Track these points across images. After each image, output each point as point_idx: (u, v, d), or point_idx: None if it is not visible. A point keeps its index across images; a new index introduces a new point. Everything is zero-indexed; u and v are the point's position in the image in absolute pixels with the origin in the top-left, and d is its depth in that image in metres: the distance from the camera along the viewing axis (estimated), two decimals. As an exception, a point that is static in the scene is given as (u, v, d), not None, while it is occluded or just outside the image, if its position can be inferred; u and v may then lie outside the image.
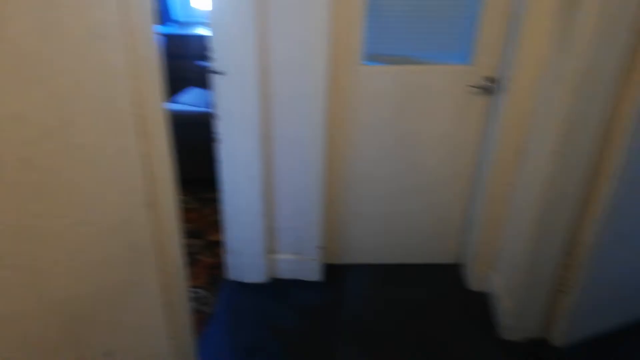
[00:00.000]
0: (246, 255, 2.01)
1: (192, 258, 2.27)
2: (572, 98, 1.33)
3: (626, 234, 1.57)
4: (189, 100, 3.26)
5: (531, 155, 1.63)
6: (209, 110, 1.88)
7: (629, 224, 1.55)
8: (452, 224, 2.10)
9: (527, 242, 1.58)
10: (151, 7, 0.91)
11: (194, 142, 2.67)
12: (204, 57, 1.80)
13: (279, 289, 2.08)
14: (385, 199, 2.04)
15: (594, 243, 1.51)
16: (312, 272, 2.07)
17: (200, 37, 3.38)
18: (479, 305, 1.98)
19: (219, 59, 1.60)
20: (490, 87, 1.76)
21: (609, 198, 1.42)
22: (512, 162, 1.74)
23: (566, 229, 1.54)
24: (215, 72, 1.63)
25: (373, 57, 1.77)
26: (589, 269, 1.57)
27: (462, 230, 2.11)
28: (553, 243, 1.57)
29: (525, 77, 1.58)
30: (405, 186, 2.01)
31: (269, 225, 1.99)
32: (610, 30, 1.21)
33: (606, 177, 1.42)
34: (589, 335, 1.79)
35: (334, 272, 2.17)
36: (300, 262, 2.06)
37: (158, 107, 0.99)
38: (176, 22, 4.11)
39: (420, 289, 2.09)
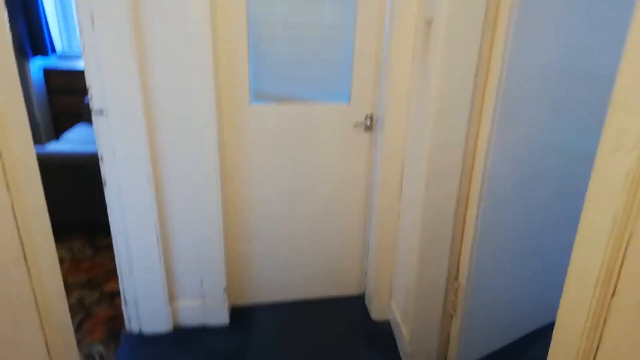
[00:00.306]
0: (145, 305, 1.88)
1: (87, 312, 2.08)
2: (434, 136, 1.48)
3: (498, 258, 1.76)
4: (79, 139, 3.04)
5: (409, 187, 1.77)
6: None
7: (499, 249, 1.74)
8: (353, 256, 2.18)
9: (414, 270, 1.69)
10: (9, 43, 0.86)
11: (85, 184, 2.48)
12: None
13: (183, 338, 1.96)
14: (284, 235, 2.07)
15: (471, 268, 1.67)
16: (217, 316, 2.00)
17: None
18: (383, 335, 2.04)
19: (97, 97, 1.53)
20: (369, 125, 1.91)
21: (476, 225, 1.59)
22: (396, 195, 1.88)
23: (448, 254, 1.68)
24: (94, 112, 1.55)
25: (262, 96, 1.83)
26: (472, 292, 1.71)
27: (362, 261, 2.20)
28: (438, 269, 1.70)
29: (396, 115, 1.74)
30: (302, 221, 2.06)
31: (168, 271, 1.90)
32: (456, 72, 1.39)
33: (473, 204, 1.59)
34: (484, 355, 1.94)
35: (240, 314, 2.12)
36: (205, 307, 1.98)
37: (26, 154, 0.92)
38: (61, 54, 3.87)
39: (327, 323, 2.11)
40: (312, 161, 1.95)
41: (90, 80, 1.54)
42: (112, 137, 1.62)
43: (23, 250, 0.94)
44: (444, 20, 1.32)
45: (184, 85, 1.63)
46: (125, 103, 1.57)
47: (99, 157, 1.65)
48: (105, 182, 1.69)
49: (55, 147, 2.79)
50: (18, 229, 0.93)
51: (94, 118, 1.60)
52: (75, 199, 2.53)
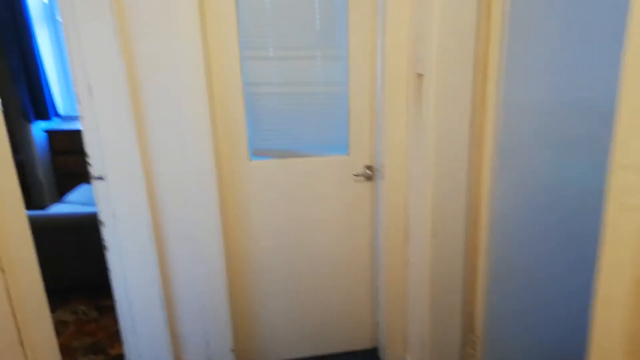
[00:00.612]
0: (148, 371, 1.81)
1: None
2: (435, 184, 1.48)
3: (516, 306, 1.70)
4: (81, 199, 3.04)
5: (415, 236, 1.75)
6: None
7: (515, 296, 1.69)
8: (363, 308, 2.12)
9: (427, 322, 1.64)
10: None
11: (87, 244, 2.46)
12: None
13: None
14: (290, 290, 2.02)
15: (487, 318, 1.61)
16: (223, 378, 1.92)
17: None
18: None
19: (96, 164, 1.54)
20: (370, 175, 1.90)
21: (488, 273, 1.55)
22: (402, 243, 1.85)
23: (460, 305, 1.63)
24: (94, 177, 1.56)
25: (261, 152, 1.84)
26: (490, 344, 1.65)
27: (373, 313, 2.13)
28: (451, 320, 1.64)
29: (396, 164, 1.75)
30: (308, 275, 2.02)
31: (173, 332, 1.84)
32: (451, 120, 1.40)
33: (482, 251, 1.56)
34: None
35: (248, 375, 2.03)
36: (210, 370, 1.91)
37: (18, 235, 0.91)
38: (64, 115, 3.97)
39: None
40: (315, 214, 1.94)
41: (89, 148, 1.56)
42: (112, 202, 1.62)
43: (19, 335, 0.91)
44: (434, 74, 1.35)
45: (182, 145, 1.64)
46: (125, 168, 1.58)
47: (100, 221, 1.64)
48: (106, 247, 1.67)
49: (57, 209, 2.80)
50: (13, 312, 0.90)
51: (93, 183, 1.60)
52: (79, 260, 2.50)
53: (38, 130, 3.74)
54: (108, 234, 1.66)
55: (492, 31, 1.32)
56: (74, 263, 2.47)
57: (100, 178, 1.59)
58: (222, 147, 1.80)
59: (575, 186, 1.69)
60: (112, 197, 1.61)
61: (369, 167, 1.90)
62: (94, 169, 1.58)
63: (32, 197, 3.84)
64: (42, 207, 3.60)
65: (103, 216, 1.64)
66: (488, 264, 1.53)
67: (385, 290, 1.91)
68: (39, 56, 3.54)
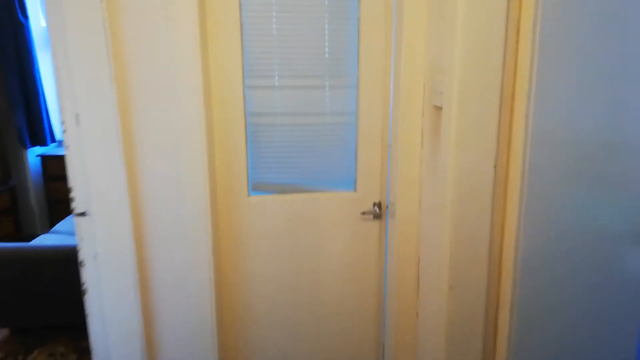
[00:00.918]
0: None
1: None
2: (453, 228, 1.32)
3: None
4: (71, 229, 2.89)
5: (428, 286, 1.57)
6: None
7: (538, 352, 1.51)
8: (367, 356, 1.92)
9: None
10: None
11: (68, 280, 2.29)
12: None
13: None
14: (289, 336, 1.84)
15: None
16: None
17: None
18: None
19: (79, 199, 1.40)
20: (379, 213, 1.75)
21: (511, 335, 1.38)
22: (412, 289, 1.68)
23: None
24: (76, 214, 1.41)
25: (261, 187, 1.70)
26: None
27: (379, 364, 1.93)
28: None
29: (408, 202, 1.60)
30: (310, 322, 1.84)
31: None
32: (473, 158, 1.26)
33: (505, 308, 1.39)
34: None
35: None
36: None
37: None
38: (59, 141, 3.87)
39: None
40: (318, 254, 1.78)
41: (73, 181, 1.42)
42: (95, 240, 1.46)
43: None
44: (455, 108, 1.21)
45: (176, 180, 1.50)
46: (111, 204, 1.44)
47: (80, 261, 1.48)
48: (85, 289, 1.51)
49: (41, 240, 2.64)
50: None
51: (75, 220, 1.45)
52: (58, 297, 2.32)
53: (33, 155, 3.62)
54: (88, 276, 1.49)
55: (520, 61, 1.20)
56: (53, 300, 2.28)
57: (83, 214, 1.45)
58: (219, 182, 1.65)
59: (609, 229, 1.53)
60: (96, 236, 1.46)
61: (378, 205, 1.75)
62: (77, 204, 1.44)
63: (22, 224, 3.68)
64: (33, 235, 3.44)
65: (84, 256, 1.48)
66: (512, 318, 1.35)
67: (393, 343, 1.72)
68: (40, 81, 3.46)
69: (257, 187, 1.71)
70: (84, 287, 1.51)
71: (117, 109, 1.39)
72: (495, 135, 1.24)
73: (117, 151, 1.41)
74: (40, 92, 3.47)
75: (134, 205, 1.48)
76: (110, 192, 1.43)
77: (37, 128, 3.49)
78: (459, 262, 1.34)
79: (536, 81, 1.17)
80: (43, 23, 3.62)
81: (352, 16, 1.62)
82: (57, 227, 2.91)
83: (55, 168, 3.59)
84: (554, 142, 1.25)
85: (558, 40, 1.16)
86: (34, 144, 3.53)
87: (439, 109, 1.36)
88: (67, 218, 3.07)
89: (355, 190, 1.75)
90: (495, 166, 1.26)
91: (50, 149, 3.70)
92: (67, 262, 2.21)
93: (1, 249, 2.23)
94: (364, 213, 1.75)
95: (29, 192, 3.64)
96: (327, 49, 1.64)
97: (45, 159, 3.59)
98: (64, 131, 1.39)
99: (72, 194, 1.43)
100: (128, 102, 1.42)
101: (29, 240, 2.72)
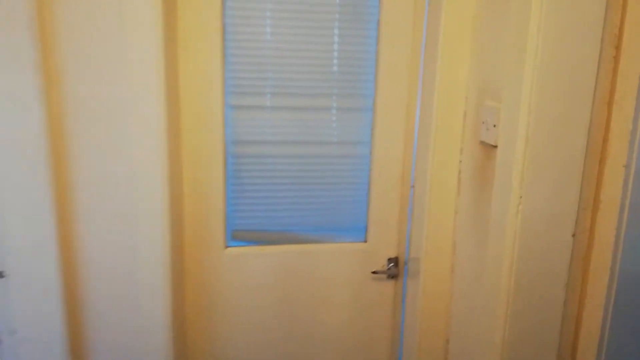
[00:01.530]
0: None
1: None
2: (508, 320, 0.94)
3: None
4: None
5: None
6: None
7: None
8: None
9: None
10: None
11: None
12: None
13: None
14: None
15: None
16: None
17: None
18: None
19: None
20: (395, 272, 1.37)
21: None
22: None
23: None
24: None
25: (243, 236, 1.32)
26: None
27: None
28: None
29: (436, 262, 1.22)
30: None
31: None
32: (544, 218, 0.88)
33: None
34: None
35: None
36: None
37: None
38: None
39: None
40: (315, 323, 1.39)
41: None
42: (13, 310, 1.08)
43: None
44: (520, 149, 0.84)
45: (127, 228, 1.12)
46: (35, 262, 1.06)
47: (-4, 336, 1.10)
48: (3, 372, 1.12)
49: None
50: None
51: (-12, 282, 1.07)
52: None
53: None
54: (3, 356, 1.11)
55: (620, 86, 0.83)
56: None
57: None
58: (187, 230, 1.28)
59: None
60: (13, 304, 1.08)
61: (395, 261, 1.37)
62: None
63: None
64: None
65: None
66: None
67: None
68: None
69: (238, 235, 1.33)
70: (-2, 370, 1.12)
71: (48, 137, 1.02)
72: (577, 191, 0.86)
73: (44, 193, 1.03)
74: None
75: (66, 263, 1.10)
76: (35, 247, 1.05)
77: None
78: (517, 356, 0.96)
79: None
80: None
81: (370, 19, 1.26)
82: None
83: None
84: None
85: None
86: None
87: (488, 146, 0.99)
88: None
89: (365, 241, 1.37)
90: (574, 235, 0.88)
91: None
92: None
93: None
94: (375, 272, 1.37)
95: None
96: (335, 61, 1.27)
97: None
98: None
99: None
100: (62, 129, 1.05)
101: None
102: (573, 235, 0.89)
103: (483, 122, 1.00)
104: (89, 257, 1.13)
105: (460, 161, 1.15)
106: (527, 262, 0.90)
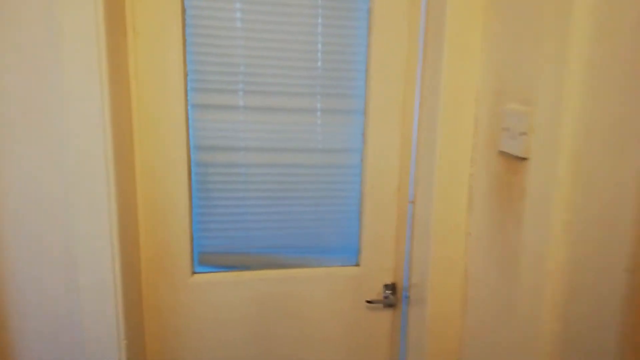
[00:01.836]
0: None
1: None
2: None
3: None
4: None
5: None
6: None
7: None
8: None
9: None
10: None
11: None
12: None
13: None
14: None
15: None
16: None
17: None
18: None
19: None
20: (393, 300, 1.18)
21: None
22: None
23: None
24: None
25: (213, 260, 1.12)
26: None
27: None
28: None
29: (443, 290, 1.03)
30: None
31: None
32: (592, 250, 0.71)
33: None
34: None
35: None
36: None
37: None
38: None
39: None
40: (296, 355, 1.19)
41: None
42: None
43: None
44: (565, 162, 0.67)
45: (58, 266, 0.90)
46: None
47: None
48: None
49: None
50: None
51: None
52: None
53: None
54: None
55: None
56: None
57: None
58: (144, 255, 1.05)
59: None
60: None
61: (392, 287, 1.18)
62: None
63: None
64: None
65: None
66: None
67: None
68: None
69: (206, 259, 1.12)
70: None
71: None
72: (635, 216, 0.70)
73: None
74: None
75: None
76: None
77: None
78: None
79: None
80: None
81: (359, 6, 1.07)
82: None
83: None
84: None
85: None
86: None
87: (513, 158, 0.81)
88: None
89: (358, 264, 1.18)
90: (628, 270, 0.72)
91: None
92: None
93: None
94: (370, 302, 1.18)
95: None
96: (320, 55, 1.08)
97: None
98: None
99: None
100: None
101: None
102: (628, 271, 0.72)
103: (505, 129, 0.82)
104: (15, 297, 0.89)
105: (472, 174, 0.97)
106: (572, 301, 0.73)
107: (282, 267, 1.14)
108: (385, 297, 1.17)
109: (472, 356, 1.02)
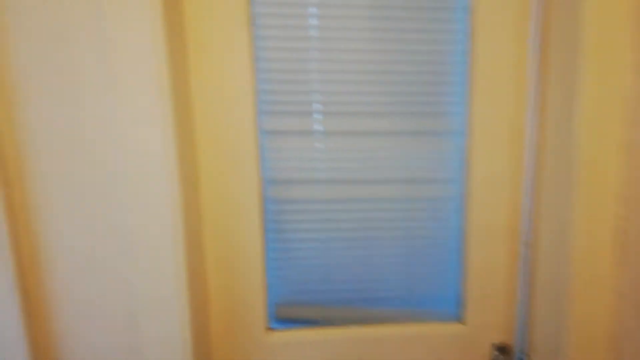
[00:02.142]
0: None
1: None
2: None
3: None
4: None
5: None
6: None
7: None
8: None
9: None
10: None
11: None
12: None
13: None
14: None
15: None
16: None
17: None
18: None
19: None
20: (505, 365, 0.96)
21: None
22: None
23: None
24: None
25: (291, 312, 0.95)
26: None
27: None
28: None
29: (589, 350, 0.81)
30: None
31: None
32: None
33: None
34: None
35: None
36: None
37: None
38: None
39: None
40: None
41: None
42: None
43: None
44: None
45: (119, 327, 0.77)
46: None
47: None
48: None
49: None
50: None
51: None
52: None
53: None
54: None
55: None
56: None
57: None
58: (213, 309, 0.91)
59: None
60: None
61: (502, 350, 0.96)
62: None
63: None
64: None
65: None
66: None
67: None
68: None
69: (283, 312, 0.96)
70: None
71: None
72: None
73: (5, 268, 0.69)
74: None
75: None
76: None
77: None
78: None
79: None
80: None
81: (456, 5, 0.88)
82: None
83: None
84: None
85: None
86: None
87: None
88: None
89: (461, 320, 0.97)
90: None
91: None
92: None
93: None
94: (476, 363, 0.97)
95: None
96: (408, 67, 0.90)
97: None
98: None
99: None
100: (20, 175, 0.71)
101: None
102: None
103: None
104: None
105: (622, 216, 0.75)
106: None
107: (369, 322, 0.96)
108: (496, 361, 0.95)
109: None
